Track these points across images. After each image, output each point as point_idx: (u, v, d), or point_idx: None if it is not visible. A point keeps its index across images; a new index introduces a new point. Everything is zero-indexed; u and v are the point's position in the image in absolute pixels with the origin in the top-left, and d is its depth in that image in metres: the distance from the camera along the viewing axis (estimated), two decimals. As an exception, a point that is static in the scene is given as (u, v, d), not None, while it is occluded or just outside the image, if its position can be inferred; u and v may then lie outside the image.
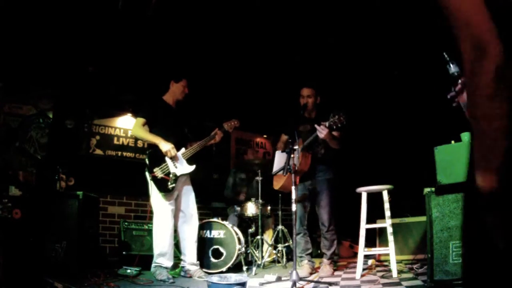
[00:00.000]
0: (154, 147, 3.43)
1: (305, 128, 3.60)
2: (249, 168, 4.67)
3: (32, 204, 3.34)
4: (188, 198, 3.59)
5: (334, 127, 3.15)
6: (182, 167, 3.47)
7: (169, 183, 3.36)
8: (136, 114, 3.88)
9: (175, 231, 3.60)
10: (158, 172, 3.38)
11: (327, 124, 3.16)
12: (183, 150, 3.52)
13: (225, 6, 3.83)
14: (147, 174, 3.44)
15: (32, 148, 4.57)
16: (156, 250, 3.37)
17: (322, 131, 3.17)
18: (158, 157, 3.41)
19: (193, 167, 3.53)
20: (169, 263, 3.39)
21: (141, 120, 3.50)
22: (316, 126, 3.20)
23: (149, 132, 3.49)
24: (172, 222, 3.43)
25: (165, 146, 3.36)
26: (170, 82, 3.72)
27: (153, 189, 3.42)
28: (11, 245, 3.02)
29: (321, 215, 3.52)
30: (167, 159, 3.42)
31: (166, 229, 3.37)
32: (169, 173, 3.39)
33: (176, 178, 3.41)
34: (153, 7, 3.75)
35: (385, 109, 5.32)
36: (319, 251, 3.65)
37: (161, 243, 3.36)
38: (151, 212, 3.49)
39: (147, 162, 3.44)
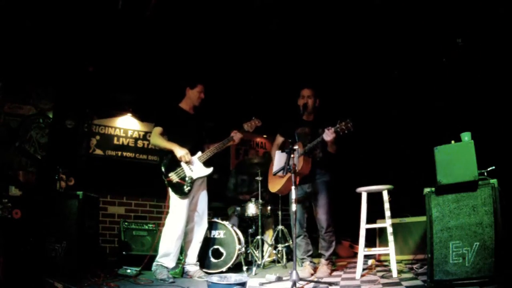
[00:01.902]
0: (170, 153, 3.49)
1: (303, 131, 3.59)
2: (251, 170, 4.64)
3: (32, 204, 3.34)
4: (203, 200, 3.66)
5: (341, 133, 3.15)
6: (198, 170, 3.53)
7: (185, 187, 3.42)
8: (135, 116, 3.88)
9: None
10: (174, 177, 3.43)
11: (333, 129, 3.16)
12: (199, 153, 3.58)
13: (225, 6, 3.83)
14: (163, 178, 3.48)
15: (32, 148, 4.57)
16: (162, 250, 3.39)
17: (330, 135, 3.17)
18: (173, 162, 3.47)
19: (210, 170, 3.58)
20: (171, 263, 3.40)
21: (159, 129, 3.59)
22: (326, 130, 3.20)
23: (168, 139, 3.57)
24: (184, 225, 3.45)
25: (180, 152, 3.44)
26: (185, 89, 3.75)
27: (171, 192, 3.48)
28: (11, 245, 3.03)
29: (319, 217, 3.51)
30: (182, 163, 3.47)
31: (177, 231, 3.39)
32: (184, 177, 3.44)
33: (193, 181, 3.47)
34: (153, 7, 3.75)
35: (385, 109, 5.32)
36: (319, 251, 3.64)
37: (168, 243, 3.38)
38: (156, 212, 3.52)
39: (162, 168, 3.48)
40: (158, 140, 3.56)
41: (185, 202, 3.44)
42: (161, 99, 4.04)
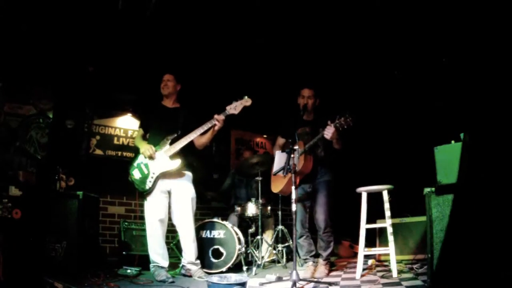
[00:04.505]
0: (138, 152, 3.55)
1: (303, 130, 3.58)
2: (249, 172, 4.61)
3: (32, 204, 3.34)
4: (180, 196, 3.49)
5: (341, 128, 3.13)
6: (162, 165, 3.42)
7: (146, 184, 3.41)
8: (136, 118, 3.89)
9: (174, 231, 3.61)
10: (136, 173, 3.45)
11: (333, 125, 3.15)
12: (167, 146, 3.45)
13: (226, 5, 3.83)
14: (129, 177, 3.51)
15: (32, 148, 4.57)
16: (150, 250, 3.40)
17: (329, 132, 3.16)
18: (139, 159, 3.50)
19: (175, 163, 3.40)
20: (165, 262, 3.39)
21: (140, 131, 3.69)
22: (327, 127, 3.19)
23: (147, 137, 3.64)
24: (158, 221, 3.39)
25: (142, 148, 3.46)
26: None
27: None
28: (11, 245, 3.03)
29: (317, 217, 3.50)
30: (147, 160, 3.45)
31: (153, 228, 3.39)
32: (148, 173, 3.42)
33: (155, 177, 3.41)
34: (153, 7, 3.75)
35: (385, 109, 5.32)
36: (318, 251, 3.65)
37: (151, 242, 3.40)
38: (141, 211, 3.54)
39: (130, 167, 3.52)
40: (137, 142, 3.63)
41: (152, 198, 3.41)
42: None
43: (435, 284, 1.70)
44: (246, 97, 3.47)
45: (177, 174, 3.49)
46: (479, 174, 1.57)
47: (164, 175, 3.43)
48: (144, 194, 3.43)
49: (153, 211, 3.41)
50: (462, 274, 1.50)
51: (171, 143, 3.46)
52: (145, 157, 3.44)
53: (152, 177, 3.40)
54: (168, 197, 3.50)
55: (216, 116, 3.41)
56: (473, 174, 1.59)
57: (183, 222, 3.48)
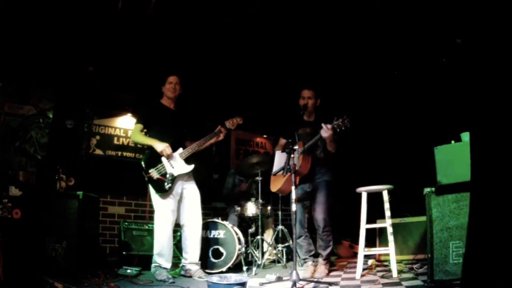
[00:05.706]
0: (150, 149, 3.49)
1: (304, 131, 3.59)
2: (250, 172, 4.60)
3: (32, 204, 3.34)
4: (192, 198, 3.58)
5: (338, 130, 3.14)
6: (179, 167, 3.48)
7: (165, 184, 3.39)
8: (135, 116, 3.88)
9: (178, 231, 3.61)
10: (154, 173, 3.41)
11: (330, 126, 3.16)
12: (180, 150, 3.53)
13: (226, 6, 3.83)
14: (144, 174, 3.46)
15: (32, 148, 4.57)
16: (156, 250, 3.39)
17: (327, 131, 3.17)
18: (154, 158, 3.45)
19: (191, 167, 3.53)
20: (167, 264, 3.39)
21: (139, 126, 3.60)
22: (322, 124, 3.20)
23: (148, 135, 3.58)
24: (171, 224, 3.42)
25: (160, 146, 3.41)
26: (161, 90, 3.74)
27: (151, 189, 3.45)
28: (11, 245, 3.03)
29: (316, 216, 3.50)
30: (163, 159, 3.44)
31: (165, 230, 3.38)
32: (165, 174, 3.42)
33: (173, 178, 3.43)
34: (153, 7, 3.75)
35: (385, 109, 5.32)
36: (317, 250, 3.65)
37: (159, 244, 3.38)
38: (150, 212, 3.51)
39: (142, 164, 3.47)
40: (138, 137, 3.57)
41: (168, 199, 3.41)
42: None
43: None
44: (238, 118, 3.78)
45: (188, 176, 3.58)
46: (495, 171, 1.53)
47: (178, 177, 3.48)
48: (160, 195, 3.41)
49: (168, 213, 3.41)
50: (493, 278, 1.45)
51: (183, 147, 3.54)
52: (164, 156, 3.43)
53: (170, 178, 3.42)
54: (179, 199, 3.53)
55: (222, 129, 3.65)
56: (489, 171, 1.56)
57: (194, 224, 3.55)
